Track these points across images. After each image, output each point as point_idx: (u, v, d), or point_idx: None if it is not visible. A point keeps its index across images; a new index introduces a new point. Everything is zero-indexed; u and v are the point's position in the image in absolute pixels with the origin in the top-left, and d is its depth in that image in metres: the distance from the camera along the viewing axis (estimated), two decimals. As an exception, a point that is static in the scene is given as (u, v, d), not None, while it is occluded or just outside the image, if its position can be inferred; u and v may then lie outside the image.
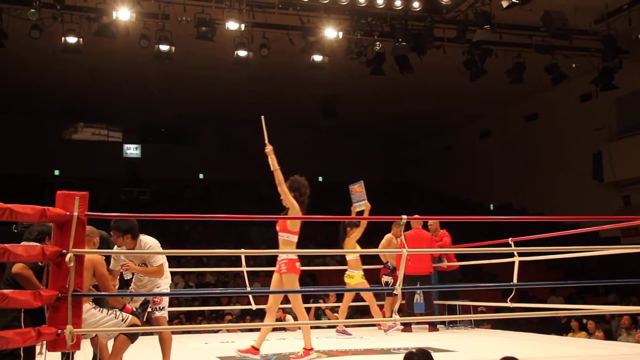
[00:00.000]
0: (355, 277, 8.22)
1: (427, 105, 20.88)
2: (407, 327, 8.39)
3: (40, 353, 4.69)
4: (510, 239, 7.19)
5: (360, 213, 8.01)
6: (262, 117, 5.99)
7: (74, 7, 12.28)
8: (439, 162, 25.25)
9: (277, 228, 5.91)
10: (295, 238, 5.88)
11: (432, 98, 19.95)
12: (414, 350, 3.94)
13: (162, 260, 5.32)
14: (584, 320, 10.74)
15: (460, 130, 24.64)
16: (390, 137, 25.94)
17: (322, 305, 9.75)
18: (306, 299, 10.88)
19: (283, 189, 5.75)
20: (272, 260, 15.57)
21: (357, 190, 8.28)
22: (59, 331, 4.14)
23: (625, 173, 17.48)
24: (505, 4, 11.95)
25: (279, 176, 5.74)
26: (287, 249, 5.84)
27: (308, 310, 10.08)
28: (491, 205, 23.17)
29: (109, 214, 4.87)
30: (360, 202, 8.10)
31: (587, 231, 8.26)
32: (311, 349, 5.88)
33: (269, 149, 5.84)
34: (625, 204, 17.97)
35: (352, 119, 22.14)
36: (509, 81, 15.11)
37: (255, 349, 5.85)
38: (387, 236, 8.85)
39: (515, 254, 7.04)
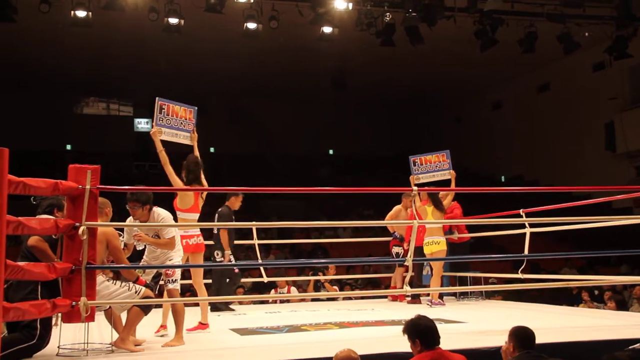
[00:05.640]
0: (441, 243, 8.01)
1: (438, 77, 20.72)
2: (415, 299, 8.41)
3: (56, 324, 4.78)
4: (521, 210, 7.17)
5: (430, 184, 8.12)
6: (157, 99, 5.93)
7: (83, -19, 12.24)
8: (450, 133, 25.12)
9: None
10: (190, 215, 5.87)
11: (442, 69, 19.79)
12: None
13: (174, 232, 5.35)
14: (595, 292, 10.75)
15: (471, 101, 24.48)
16: (401, 109, 25.79)
17: (321, 278, 9.80)
18: (305, 271, 10.89)
19: (167, 169, 5.79)
20: (282, 233, 15.50)
21: (434, 160, 8.33)
22: (74, 303, 4.21)
23: (638, 143, 17.35)
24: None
25: (163, 157, 5.80)
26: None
27: (307, 282, 10.13)
28: (502, 177, 23.09)
29: (121, 187, 4.91)
30: (440, 172, 8.29)
31: (599, 202, 8.24)
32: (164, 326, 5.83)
33: (153, 130, 5.90)
34: (638, 174, 17.88)
35: (362, 91, 22.01)
36: (521, 51, 14.96)
37: (203, 324, 5.91)
38: (396, 207, 8.84)
39: (527, 225, 7.01)
